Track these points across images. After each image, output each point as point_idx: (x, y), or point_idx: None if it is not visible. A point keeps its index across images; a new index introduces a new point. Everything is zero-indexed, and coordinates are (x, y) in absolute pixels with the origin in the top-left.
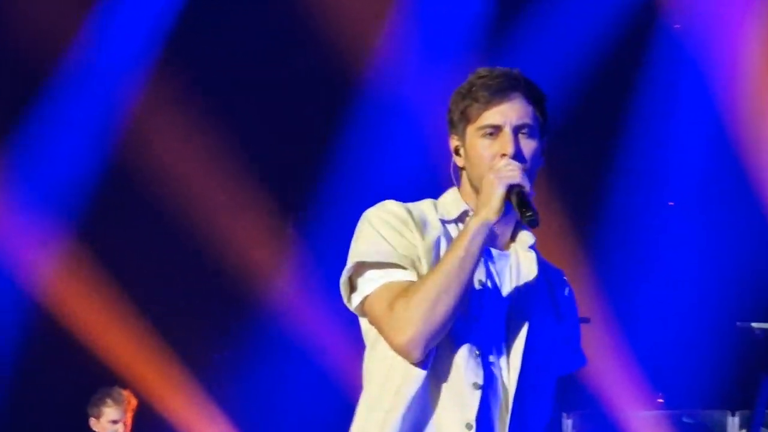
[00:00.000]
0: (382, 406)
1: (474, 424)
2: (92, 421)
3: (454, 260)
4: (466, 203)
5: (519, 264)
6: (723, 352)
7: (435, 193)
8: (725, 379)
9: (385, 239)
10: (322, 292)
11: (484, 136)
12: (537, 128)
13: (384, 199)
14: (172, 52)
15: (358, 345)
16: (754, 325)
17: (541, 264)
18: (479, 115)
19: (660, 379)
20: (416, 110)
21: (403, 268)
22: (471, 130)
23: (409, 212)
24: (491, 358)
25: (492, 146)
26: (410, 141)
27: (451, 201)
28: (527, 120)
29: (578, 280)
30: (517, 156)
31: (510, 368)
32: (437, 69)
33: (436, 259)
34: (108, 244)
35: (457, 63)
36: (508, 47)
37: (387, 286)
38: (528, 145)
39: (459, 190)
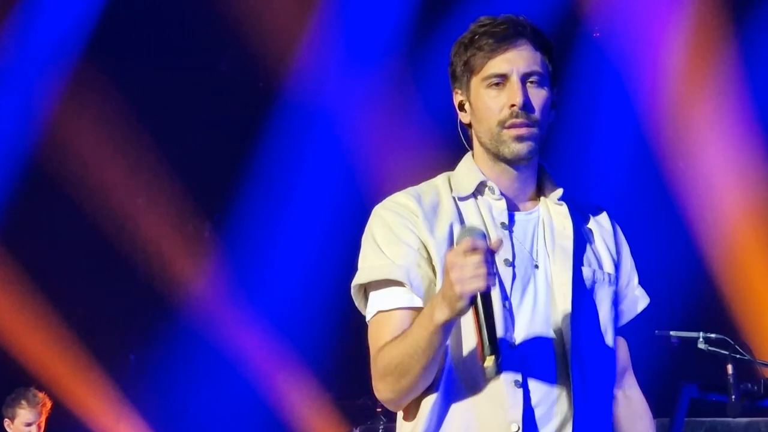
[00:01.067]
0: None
1: (520, 422)
2: (6, 423)
3: (416, 348)
4: (481, 171)
5: (551, 221)
6: (641, 360)
7: (357, 198)
8: (644, 388)
9: (382, 251)
10: (239, 295)
11: (490, 86)
12: (547, 77)
13: (301, 205)
14: (92, 53)
15: (275, 349)
16: (672, 333)
17: (577, 213)
18: (484, 64)
19: None
20: (336, 114)
21: (400, 284)
22: (476, 81)
23: (420, 202)
24: (532, 342)
25: (499, 97)
26: (330, 145)
27: (466, 172)
28: (536, 68)
29: None
30: (527, 106)
31: (562, 343)
32: (358, 73)
33: (450, 247)
34: (25, 245)
35: (378, 68)
36: (430, 52)
37: (377, 321)
38: (538, 95)
39: (473, 156)
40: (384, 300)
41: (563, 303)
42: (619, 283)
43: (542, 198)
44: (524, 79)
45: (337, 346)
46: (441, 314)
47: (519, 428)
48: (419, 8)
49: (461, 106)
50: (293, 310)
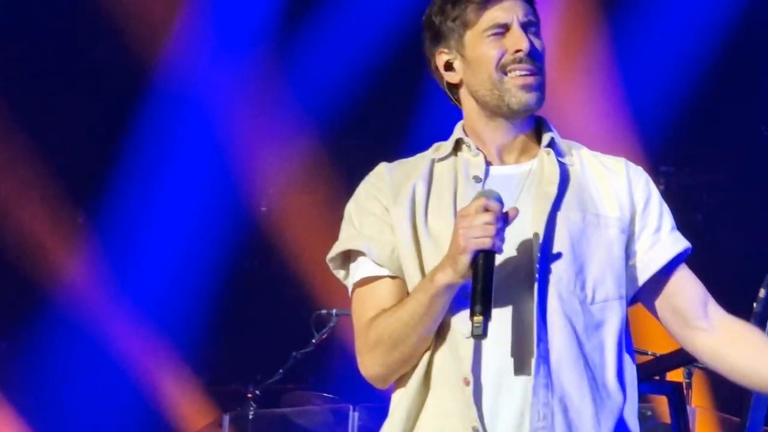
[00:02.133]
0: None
1: (470, 378)
2: None
3: (414, 315)
4: (463, 131)
5: (543, 171)
6: None
7: (228, 186)
8: None
9: (352, 222)
10: (112, 282)
11: (490, 36)
12: (539, 25)
13: (173, 192)
14: None
15: (147, 336)
16: None
17: (578, 160)
18: (480, 15)
19: None
20: (208, 103)
21: (363, 254)
22: (472, 35)
23: (391, 169)
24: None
25: (502, 45)
26: (201, 133)
27: (451, 136)
28: (533, 17)
29: None
30: (533, 53)
31: (530, 294)
32: (230, 64)
33: (410, 214)
34: None
35: (249, 58)
36: (300, 42)
37: (357, 295)
38: (539, 44)
39: (463, 120)
40: (356, 272)
41: (532, 251)
42: (637, 228)
43: (541, 149)
44: (524, 27)
45: (208, 332)
46: (443, 275)
47: (470, 383)
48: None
49: (448, 66)
50: (165, 296)
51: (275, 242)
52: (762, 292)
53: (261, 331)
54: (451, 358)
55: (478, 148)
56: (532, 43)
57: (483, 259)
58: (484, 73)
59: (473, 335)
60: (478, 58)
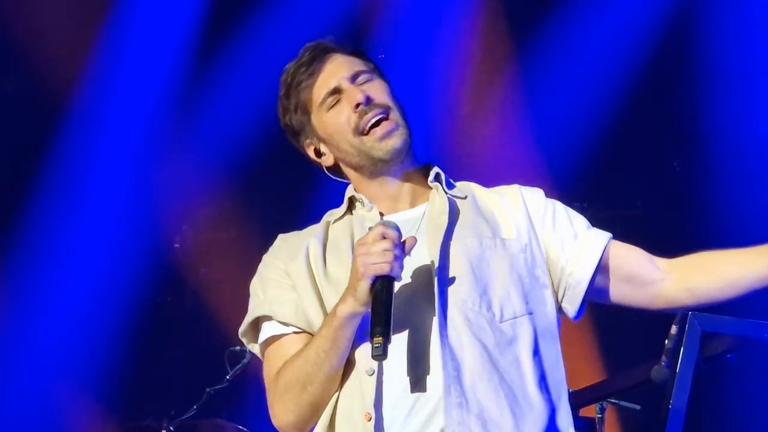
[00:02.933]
0: None
1: (372, 412)
2: None
3: (319, 351)
4: (354, 191)
5: (433, 209)
6: None
7: (147, 216)
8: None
9: (257, 294)
10: (23, 314)
11: (329, 108)
12: (375, 72)
13: (88, 222)
14: None
15: (59, 371)
16: None
17: (468, 192)
18: (311, 93)
19: None
20: (122, 139)
21: (270, 318)
22: (316, 115)
23: (288, 238)
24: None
25: (342, 110)
26: (116, 168)
27: (344, 197)
28: (359, 67)
29: None
30: (369, 100)
31: (428, 324)
32: (144, 98)
33: (307, 267)
34: None
35: (164, 93)
36: (217, 77)
37: (266, 355)
38: (376, 87)
39: (353, 185)
40: (263, 334)
41: (431, 279)
42: (551, 244)
43: (432, 189)
44: (353, 80)
45: (122, 368)
46: (344, 305)
47: (372, 417)
48: (207, 17)
49: (318, 153)
50: (78, 331)
51: (189, 278)
52: (673, 329)
53: (175, 367)
54: (356, 395)
55: (371, 203)
56: (366, 94)
57: (382, 284)
58: (344, 143)
59: (373, 356)
60: (332, 133)
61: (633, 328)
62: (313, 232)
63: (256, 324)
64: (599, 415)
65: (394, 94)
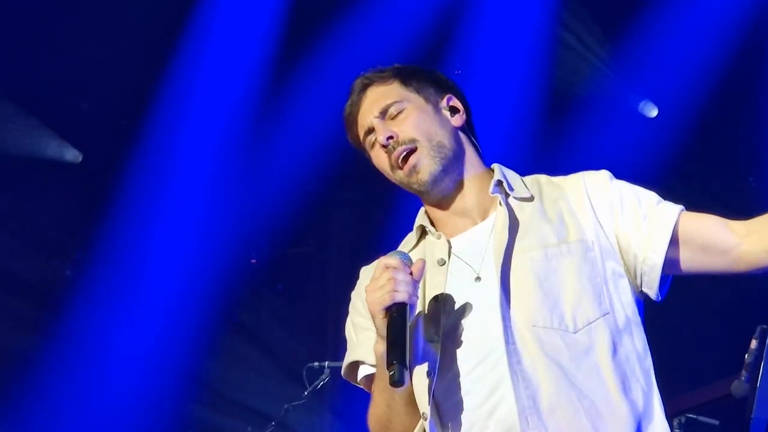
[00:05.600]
0: None
1: (427, 413)
2: None
3: (382, 393)
4: (425, 214)
5: (497, 224)
6: None
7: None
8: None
9: (350, 336)
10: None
11: (371, 146)
12: (409, 97)
13: (168, 242)
14: None
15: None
16: None
17: (531, 195)
18: (357, 131)
19: None
20: (200, 146)
21: (362, 362)
22: (370, 153)
23: (367, 274)
24: (460, 345)
25: (379, 149)
26: (193, 177)
27: (414, 223)
28: (387, 100)
29: None
30: (392, 136)
31: (494, 341)
32: (220, 106)
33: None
34: None
35: (242, 102)
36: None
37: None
38: (401, 119)
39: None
40: (359, 375)
41: (493, 306)
42: (622, 229)
43: (495, 210)
44: (383, 117)
45: (199, 385)
46: (376, 345)
47: (427, 416)
48: (286, 28)
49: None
50: (156, 348)
51: (265, 294)
52: (753, 343)
53: (253, 383)
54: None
55: (437, 228)
56: (390, 129)
57: (394, 312)
58: (391, 178)
59: (391, 383)
60: (381, 170)
61: (711, 342)
62: None
63: (354, 366)
64: (678, 431)
65: (430, 112)
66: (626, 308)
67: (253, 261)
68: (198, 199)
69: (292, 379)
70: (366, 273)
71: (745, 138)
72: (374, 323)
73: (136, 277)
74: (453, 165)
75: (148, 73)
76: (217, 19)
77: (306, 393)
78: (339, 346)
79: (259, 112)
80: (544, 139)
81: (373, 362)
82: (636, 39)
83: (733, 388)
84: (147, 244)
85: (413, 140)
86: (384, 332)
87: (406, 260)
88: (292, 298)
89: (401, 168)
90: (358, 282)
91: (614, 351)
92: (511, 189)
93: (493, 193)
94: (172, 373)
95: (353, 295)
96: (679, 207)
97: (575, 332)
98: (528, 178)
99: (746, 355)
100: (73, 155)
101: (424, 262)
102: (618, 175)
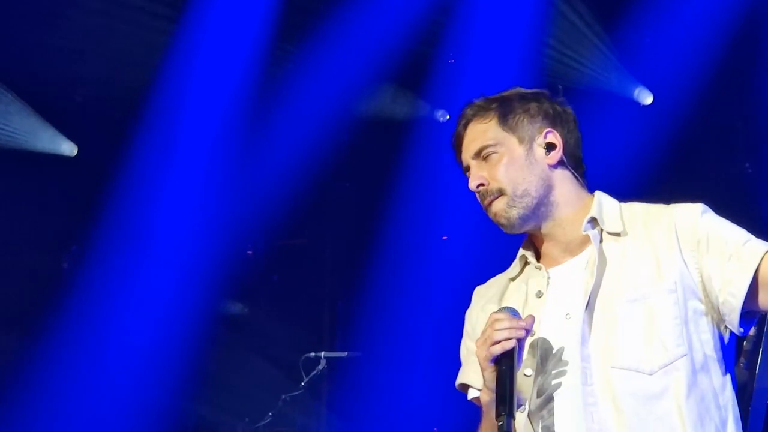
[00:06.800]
0: None
1: None
2: None
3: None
4: (531, 241)
5: (598, 258)
6: None
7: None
8: None
9: (463, 356)
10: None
11: (470, 181)
12: (504, 138)
13: (155, 231)
14: None
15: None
16: None
17: (623, 232)
18: (460, 162)
19: (433, 414)
20: (195, 139)
21: (470, 386)
22: None
23: (480, 295)
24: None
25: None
26: (189, 169)
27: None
28: (481, 142)
29: (355, 313)
30: (481, 184)
31: (581, 385)
32: (215, 99)
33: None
34: None
35: (236, 96)
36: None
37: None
38: (491, 165)
39: None
40: (469, 395)
41: (576, 338)
42: (707, 270)
43: (588, 245)
44: (476, 158)
45: (196, 375)
46: (482, 395)
47: None
48: (278, 24)
49: None
50: (152, 339)
51: (261, 285)
52: (752, 330)
53: (249, 373)
54: None
55: (538, 259)
56: (480, 176)
57: (503, 366)
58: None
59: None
60: None
61: None
62: (498, 290)
63: (463, 387)
64: None
65: (519, 155)
66: (705, 346)
67: (250, 252)
68: (194, 191)
69: (288, 370)
70: (479, 294)
71: (742, 125)
72: (482, 375)
73: (132, 269)
74: (539, 208)
75: (143, 66)
76: (214, 10)
77: (303, 383)
78: (335, 336)
79: (255, 104)
80: None
81: (480, 386)
82: (631, 25)
83: None
84: (143, 236)
85: (499, 189)
86: (492, 384)
87: (515, 315)
88: (289, 288)
89: (486, 209)
90: (472, 301)
91: (688, 393)
92: (607, 221)
93: (584, 231)
94: (168, 364)
95: (466, 315)
96: (765, 248)
97: (651, 374)
98: (626, 207)
99: (744, 342)
100: (68, 148)
101: (533, 318)
102: (614, 162)
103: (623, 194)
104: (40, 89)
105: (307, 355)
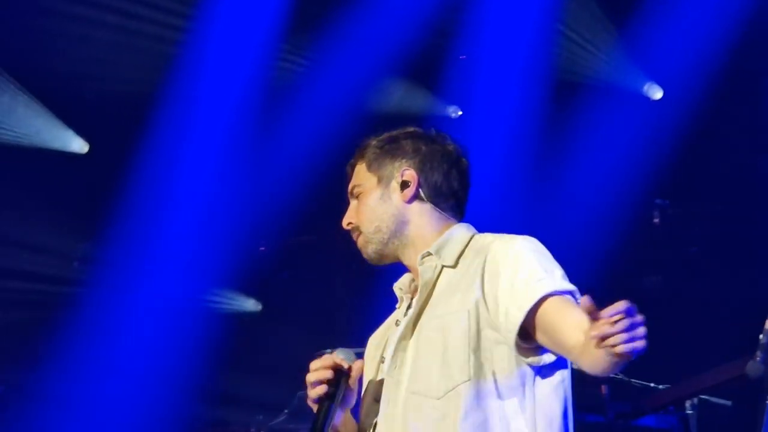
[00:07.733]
0: None
1: None
2: None
3: None
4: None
5: (423, 290)
6: None
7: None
8: None
9: None
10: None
11: None
12: (368, 180)
13: (166, 227)
14: None
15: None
16: None
17: (456, 262)
18: None
19: None
20: (206, 134)
21: None
22: None
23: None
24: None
25: None
26: (200, 166)
27: None
28: (352, 183)
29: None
30: (351, 221)
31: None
32: (225, 96)
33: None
34: None
35: (246, 92)
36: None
37: None
38: (355, 205)
39: None
40: None
41: (399, 369)
42: (490, 300)
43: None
44: (351, 197)
45: (211, 373)
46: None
47: None
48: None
49: None
50: (166, 337)
51: (273, 281)
52: (767, 324)
53: (263, 371)
54: None
55: (402, 293)
56: (348, 214)
57: (322, 405)
58: None
59: None
60: None
61: (724, 323)
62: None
63: None
64: (690, 412)
65: (375, 197)
66: (498, 374)
67: (262, 249)
68: (206, 188)
69: (302, 367)
70: (371, 341)
71: (753, 118)
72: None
73: (144, 266)
74: (393, 242)
75: (155, 62)
76: (227, 6)
77: None
78: (347, 332)
79: (266, 100)
80: (549, 122)
81: None
82: (641, 20)
83: (748, 369)
84: (155, 233)
85: (357, 228)
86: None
87: (350, 359)
88: (301, 285)
89: None
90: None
91: (465, 417)
92: (440, 256)
93: (418, 265)
94: (180, 361)
95: None
96: (549, 289)
97: (438, 398)
98: (477, 238)
99: (761, 336)
100: (79, 145)
101: (362, 363)
102: (625, 157)
103: (631, 189)
104: (51, 86)
105: (320, 351)
